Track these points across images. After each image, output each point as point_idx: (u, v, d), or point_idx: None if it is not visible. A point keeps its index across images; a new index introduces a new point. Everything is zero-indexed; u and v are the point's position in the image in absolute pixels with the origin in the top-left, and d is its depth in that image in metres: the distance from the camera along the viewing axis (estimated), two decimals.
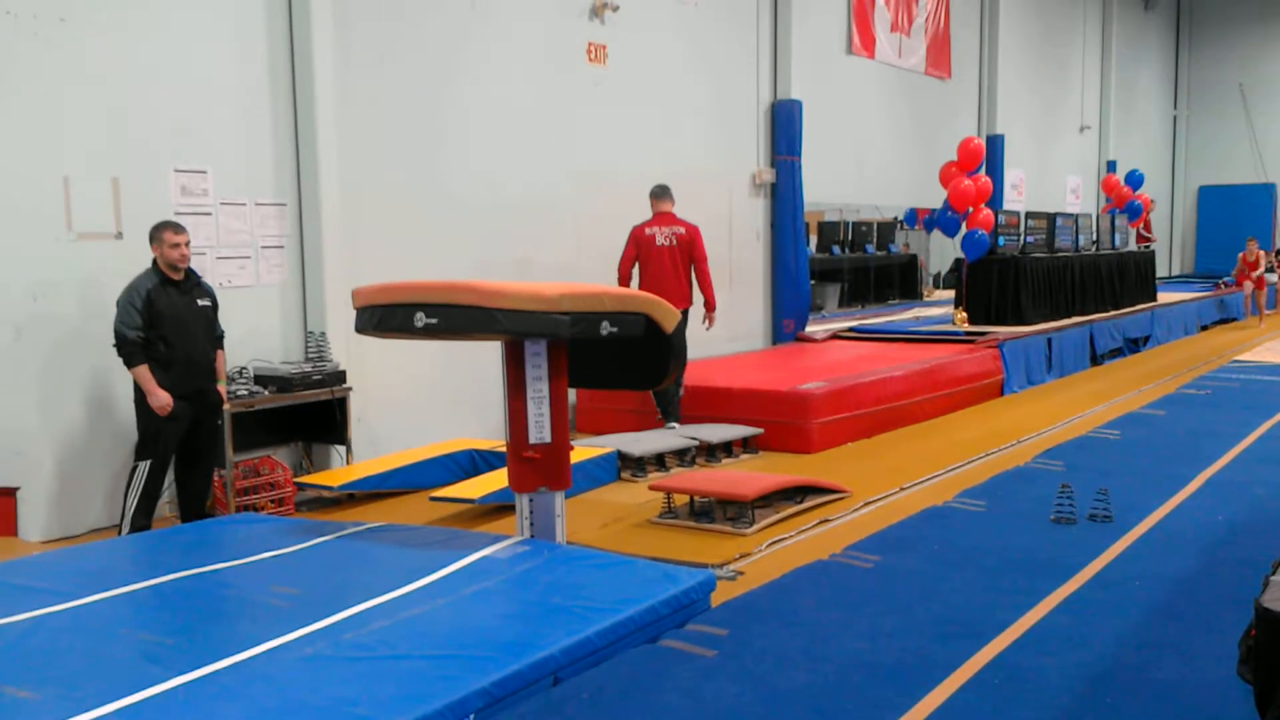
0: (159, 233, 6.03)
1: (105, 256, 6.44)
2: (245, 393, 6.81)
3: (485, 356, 8.80)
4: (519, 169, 9.01)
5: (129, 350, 5.89)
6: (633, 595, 4.07)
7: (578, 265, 9.34)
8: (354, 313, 5.10)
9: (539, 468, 5.04)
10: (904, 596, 4.60)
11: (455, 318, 4.71)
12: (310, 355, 7.36)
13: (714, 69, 11.31)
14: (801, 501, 6.43)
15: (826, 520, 6.20)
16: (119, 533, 6.01)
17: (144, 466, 5.97)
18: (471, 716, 3.29)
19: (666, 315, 5.01)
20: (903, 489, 6.91)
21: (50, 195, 6.29)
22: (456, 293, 4.67)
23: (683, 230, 8.58)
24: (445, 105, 8.41)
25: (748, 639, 4.02)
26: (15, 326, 6.22)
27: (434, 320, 4.74)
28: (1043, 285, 13.03)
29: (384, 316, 4.86)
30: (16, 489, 6.25)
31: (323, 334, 7.43)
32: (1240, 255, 18.25)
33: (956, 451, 8.04)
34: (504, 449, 7.76)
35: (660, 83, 10.55)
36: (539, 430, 5.04)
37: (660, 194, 8.67)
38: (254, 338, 7.19)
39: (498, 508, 6.55)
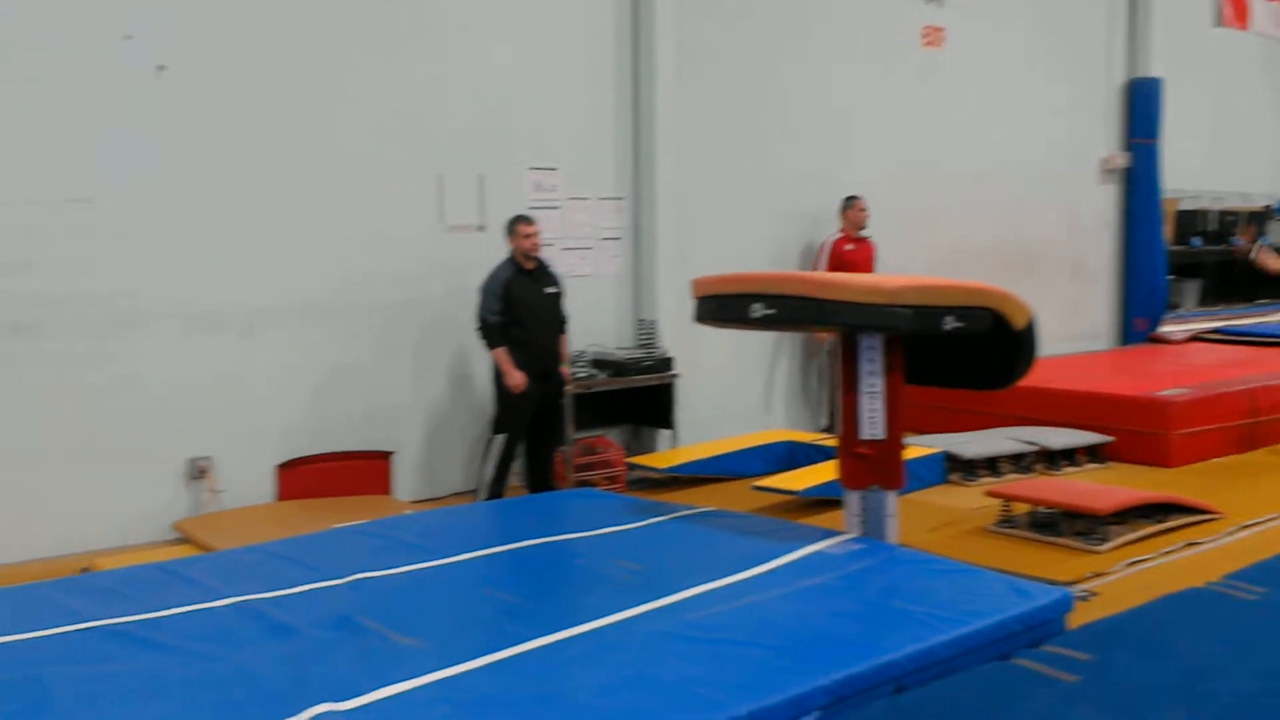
0: (514, 225, 6.51)
1: (469, 247, 7.03)
2: (584, 375, 7.22)
3: (806, 350, 8.86)
4: (846, 161, 8.93)
5: (490, 333, 6.40)
6: (980, 607, 3.94)
7: (912, 258, 9.13)
8: (683, 302, 5.27)
9: (871, 465, 4.99)
10: None
11: (792, 309, 4.75)
12: (641, 342, 7.68)
13: (1061, 47, 10.69)
14: (1163, 521, 5.94)
15: (1194, 544, 5.72)
16: (476, 498, 6.56)
17: (499, 439, 6.48)
18: (816, 713, 3.30)
19: (1016, 311, 4.78)
20: None
21: (427, 192, 6.96)
22: (794, 284, 4.72)
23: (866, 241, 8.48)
24: (773, 99, 8.51)
25: (1113, 667, 3.75)
26: (395, 309, 6.92)
27: (771, 311, 4.81)
28: None
29: (722, 306, 4.99)
30: (392, 453, 6.97)
31: (653, 321, 7.73)
32: None
33: None
34: (823, 442, 7.78)
35: (1000, 64, 10.12)
36: (871, 426, 4.99)
37: (847, 204, 8.53)
38: (592, 324, 7.60)
39: (818, 502, 6.55)
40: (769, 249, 8.42)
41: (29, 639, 3.61)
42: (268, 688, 3.19)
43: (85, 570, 5.21)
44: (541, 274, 6.62)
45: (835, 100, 8.89)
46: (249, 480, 6.48)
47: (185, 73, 6.16)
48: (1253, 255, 10.58)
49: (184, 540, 6.04)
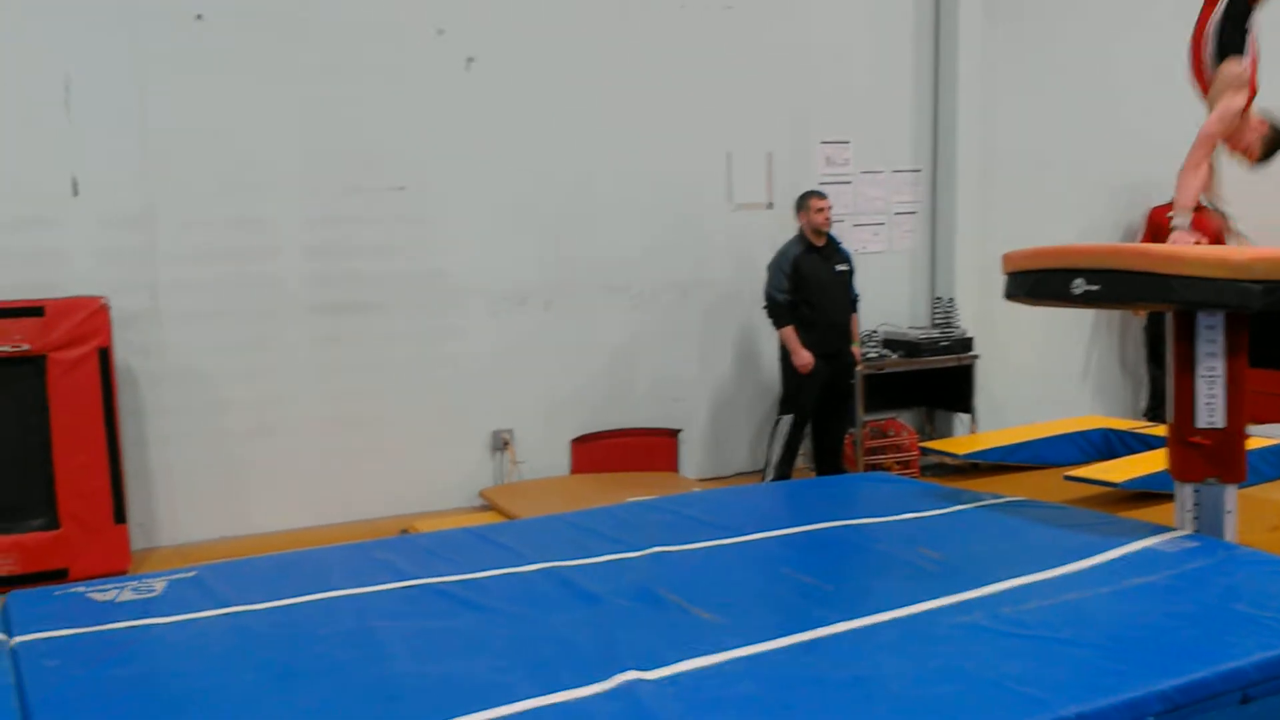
0: (805, 200, 6.38)
1: (757, 224, 6.98)
2: (875, 355, 7.00)
3: (1121, 329, 8.18)
4: (1173, 125, 8.14)
5: (777, 312, 6.31)
6: None
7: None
8: (983, 279, 4.98)
9: (1208, 455, 4.51)
10: None
11: (1120, 284, 4.35)
12: (937, 321, 7.36)
13: None
14: None
15: None
16: (763, 478, 6.51)
17: (787, 420, 6.40)
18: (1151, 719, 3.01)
19: None
20: None
21: (715, 170, 6.96)
22: (1124, 257, 4.32)
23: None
24: (1095, 61, 7.86)
25: None
26: (682, 288, 6.98)
27: (1094, 287, 4.43)
28: None
29: (1038, 282, 4.65)
30: (679, 431, 7.04)
31: (951, 300, 7.38)
32: None
33: None
34: (1143, 430, 7.16)
35: None
36: (1209, 414, 4.51)
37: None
38: (883, 302, 7.36)
39: (1139, 495, 6.04)
40: (1077, 224, 7.82)
41: (361, 593, 3.87)
42: (578, 651, 3.26)
43: (404, 532, 5.58)
44: (832, 251, 6.46)
45: (1163, 61, 8.12)
46: (545, 452, 6.75)
47: (491, 63, 6.45)
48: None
49: (488, 507, 6.37)
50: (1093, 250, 4.48)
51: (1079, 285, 4.48)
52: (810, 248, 6.38)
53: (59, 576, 5.17)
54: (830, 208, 6.40)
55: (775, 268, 6.39)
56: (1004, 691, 3.03)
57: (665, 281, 6.96)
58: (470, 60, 6.41)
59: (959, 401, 7.31)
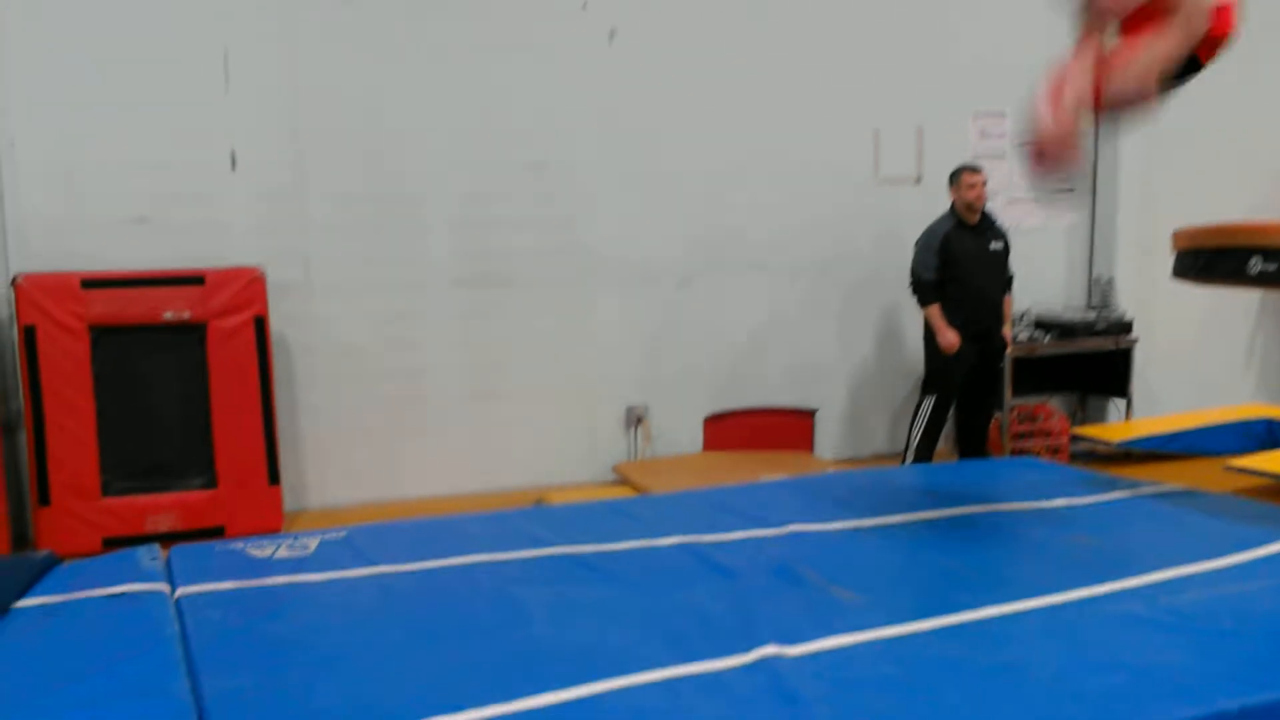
0: (958, 175, 6.16)
1: (904, 200, 6.80)
2: (1026, 337, 6.74)
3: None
4: None
5: (923, 290, 6.13)
6: None
7: None
8: (1146, 258, 4.73)
9: None
10: None
11: None
12: (1094, 303, 7.04)
13: None
14: None
15: None
16: (903, 461, 6.35)
17: (929, 401, 6.22)
18: None
19: None
20: None
21: (861, 146, 6.79)
22: None
23: None
24: (1260, 45, 7.35)
25: None
26: (822, 266, 6.86)
27: (1272, 267, 4.17)
28: None
29: (1210, 261, 4.40)
30: (815, 410, 6.94)
31: (1109, 280, 7.06)
32: None
33: None
34: None
35: None
36: None
37: None
38: (1037, 282, 7.09)
39: None
40: (1245, 201, 7.35)
41: (502, 560, 3.93)
42: (716, 625, 3.24)
43: (539, 503, 5.66)
44: (986, 228, 6.22)
45: None
46: (678, 429, 6.74)
47: (634, 37, 6.44)
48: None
49: (622, 482, 6.40)
50: (1273, 228, 4.21)
51: (1255, 265, 4.24)
52: (962, 224, 6.17)
53: (216, 534, 5.43)
54: (984, 183, 6.16)
55: (924, 246, 6.20)
56: (1162, 683, 2.88)
57: (806, 259, 6.85)
58: (613, 34, 6.41)
59: (1114, 387, 6.99)
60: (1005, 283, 6.26)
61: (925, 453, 6.26)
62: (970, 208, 6.11)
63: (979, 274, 6.12)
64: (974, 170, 6.13)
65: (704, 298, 6.74)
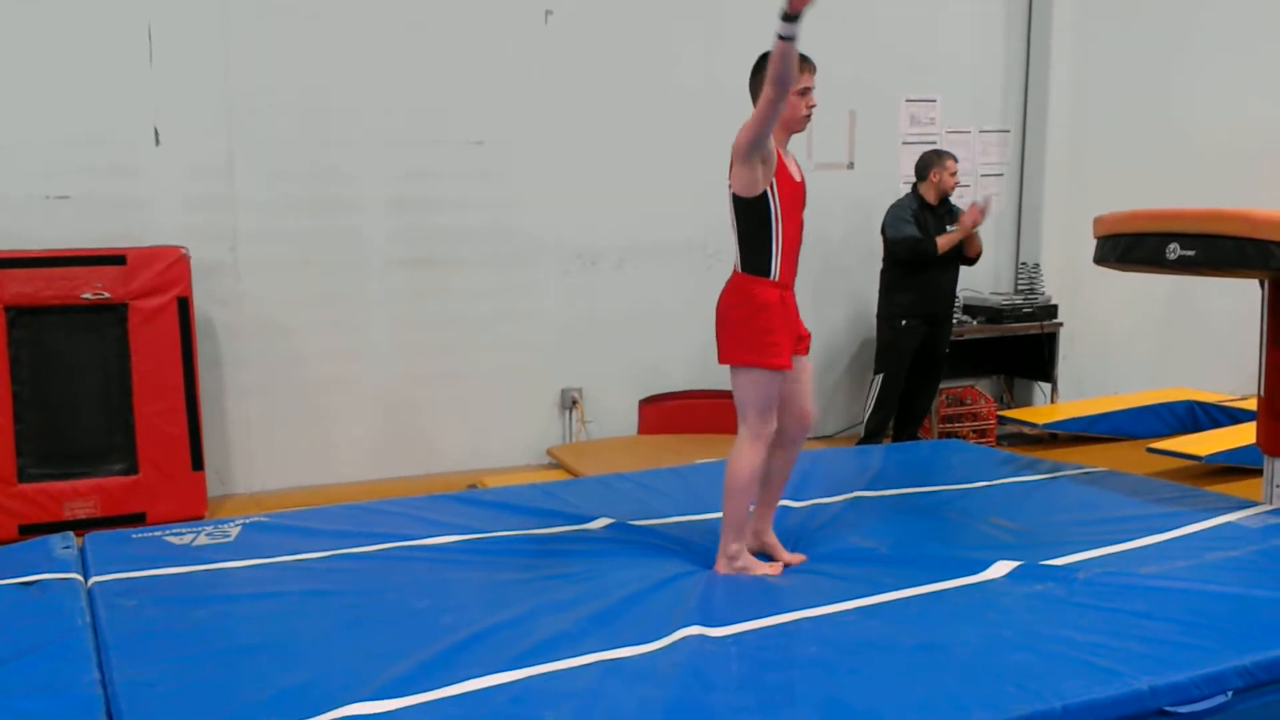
0: (940, 159, 6.09)
1: (837, 184, 6.81)
2: (954, 322, 6.82)
3: (1213, 297, 7.87)
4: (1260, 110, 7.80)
5: (920, 247, 5.98)
6: None
7: None
8: (1072, 245, 4.81)
9: None
10: None
11: (1218, 250, 4.18)
12: (1020, 287, 7.15)
13: None
14: None
15: None
16: (857, 441, 6.39)
17: (878, 379, 6.24)
18: (1229, 694, 2.91)
19: None
20: None
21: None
22: (1224, 222, 4.13)
23: None
24: (1185, 37, 7.53)
25: None
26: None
27: (1190, 253, 4.26)
28: None
29: (1130, 246, 4.48)
30: None
31: (1035, 265, 7.17)
32: None
33: None
34: (1231, 403, 6.91)
35: None
36: None
37: None
38: (964, 268, 7.16)
39: (1222, 470, 5.83)
40: (1172, 189, 7.51)
41: (429, 544, 3.91)
42: (643, 607, 3.25)
43: (472, 487, 5.62)
44: (944, 214, 6.20)
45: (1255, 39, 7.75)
46: (613, 413, 6.73)
47: (569, 17, 6.38)
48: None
49: (556, 465, 6.39)
50: (1192, 214, 4.29)
51: (1174, 250, 4.32)
52: (925, 206, 6.14)
53: (137, 520, 5.30)
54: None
55: (896, 217, 6.07)
56: (1077, 662, 2.95)
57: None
58: (549, 13, 6.35)
59: (1040, 370, 7.11)
60: (958, 270, 6.28)
61: (874, 430, 6.27)
62: (942, 193, 6.10)
63: (941, 256, 6.09)
64: (954, 157, 6.12)
65: (642, 281, 6.72)
